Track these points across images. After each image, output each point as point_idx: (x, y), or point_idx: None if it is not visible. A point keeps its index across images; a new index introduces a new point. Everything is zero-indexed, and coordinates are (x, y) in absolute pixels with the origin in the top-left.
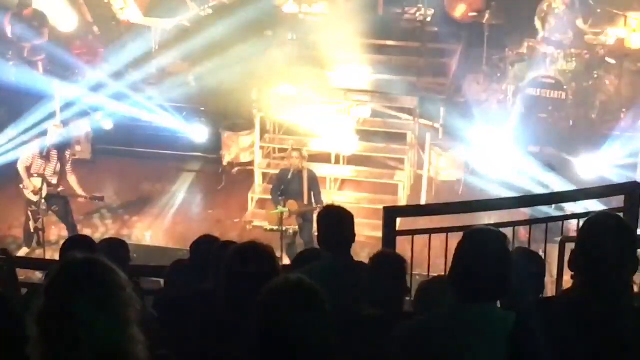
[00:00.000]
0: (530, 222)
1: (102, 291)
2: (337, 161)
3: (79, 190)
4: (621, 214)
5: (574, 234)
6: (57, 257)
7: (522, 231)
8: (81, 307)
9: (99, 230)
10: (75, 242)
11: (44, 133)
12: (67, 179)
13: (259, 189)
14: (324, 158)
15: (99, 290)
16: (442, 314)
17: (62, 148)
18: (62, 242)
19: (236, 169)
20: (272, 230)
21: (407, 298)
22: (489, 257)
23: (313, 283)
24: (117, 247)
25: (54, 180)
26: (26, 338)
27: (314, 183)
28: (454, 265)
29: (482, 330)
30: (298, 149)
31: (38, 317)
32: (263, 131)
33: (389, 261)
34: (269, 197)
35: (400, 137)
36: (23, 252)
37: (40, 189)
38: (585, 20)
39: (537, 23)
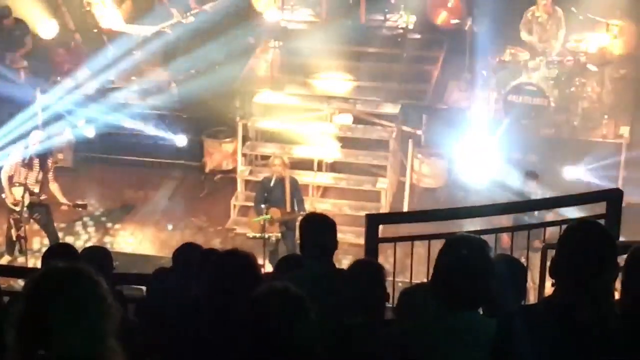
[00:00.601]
0: (512, 229)
1: (81, 301)
2: (320, 168)
3: (62, 198)
4: (602, 221)
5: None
6: (39, 265)
7: (505, 238)
8: (57, 316)
9: (81, 238)
10: (57, 251)
11: (25, 141)
12: (49, 187)
13: (241, 197)
14: (306, 165)
15: (77, 300)
16: (424, 321)
17: (44, 156)
18: (44, 250)
19: (218, 176)
20: (254, 237)
21: (389, 305)
22: (470, 264)
23: (299, 291)
24: (100, 255)
25: (36, 189)
26: (5, 346)
27: (297, 190)
28: (435, 273)
29: (464, 338)
30: (280, 156)
31: (15, 322)
32: (245, 138)
33: (366, 269)
34: (252, 204)
35: (382, 144)
36: (5, 260)
37: (22, 198)
38: (567, 28)
39: (523, 34)
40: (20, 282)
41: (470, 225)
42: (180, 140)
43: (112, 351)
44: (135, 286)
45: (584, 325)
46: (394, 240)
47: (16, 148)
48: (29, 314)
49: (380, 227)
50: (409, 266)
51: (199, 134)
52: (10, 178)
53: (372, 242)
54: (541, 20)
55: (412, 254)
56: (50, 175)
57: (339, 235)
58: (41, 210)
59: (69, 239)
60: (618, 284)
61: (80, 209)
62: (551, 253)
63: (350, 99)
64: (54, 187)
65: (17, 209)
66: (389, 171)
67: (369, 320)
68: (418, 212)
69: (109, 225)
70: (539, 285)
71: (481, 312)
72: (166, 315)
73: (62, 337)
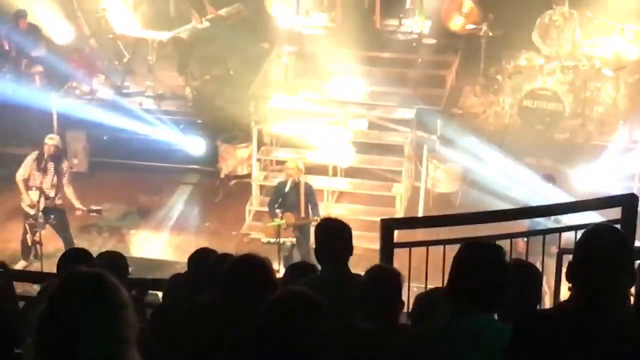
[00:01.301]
0: (527, 234)
1: (107, 308)
2: (334, 173)
3: (76, 203)
4: (618, 226)
5: (571, 245)
6: (54, 270)
7: (520, 243)
8: (85, 323)
9: (96, 243)
10: (73, 255)
11: (41, 146)
12: (64, 191)
13: (256, 202)
14: (321, 170)
15: (104, 307)
16: (439, 325)
17: (59, 160)
18: (59, 255)
19: (233, 181)
20: (269, 242)
21: (404, 310)
22: (485, 269)
23: (316, 295)
24: (115, 260)
25: (52, 193)
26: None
27: (311, 195)
28: (451, 277)
29: (479, 342)
30: (295, 161)
31: (36, 328)
32: (260, 143)
33: (384, 275)
34: (266, 209)
35: (397, 149)
36: (21, 265)
37: (38, 202)
38: (583, 33)
39: (536, 38)
40: (36, 287)
41: (485, 230)
42: (196, 145)
43: (133, 359)
44: (150, 291)
45: (599, 330)
46: (409, 245)
47: (31, 153)
48: (52, 319)
49: (395, 232)
50: (424, 271)
51: (213, 139)
52: (26, 182)
53: (387, 247)
54: (558, 24)
55: (427, 259)
56: (65, 179)
57: (354, 241)
58: (57, 214)
59: (84, 244)
60: (634, 290)
61: (94, 214)
62: (567, 258)
63: (365, 104)
64: (68, 191)
65: (33, 212)
66: (404, 176)
67: (384, 325)
68: (433, 217)
69: (124, 230)
70: (554, 291)
71: (496, 318)
72: (180, 322)
73: (85, 343)
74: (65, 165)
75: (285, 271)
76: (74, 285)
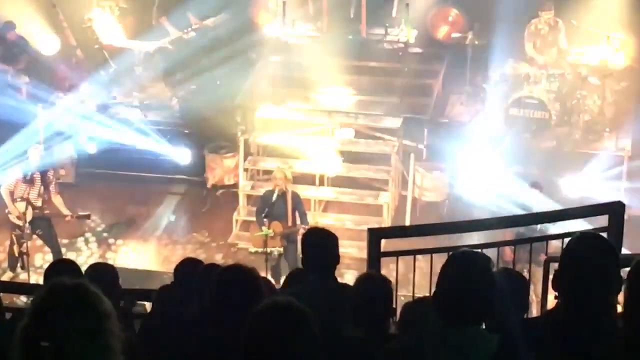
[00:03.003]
0: (514, 243)
1: (91, 319)
2: (321, 183)
3: (65, 210)
4: (605, 234)
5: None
6: (41, 281)
7: (508, 251)
8: (69, 334)
9: (84, 253)
10: (59, 266)
11: (26, 157)
12: (52, 200)
13: (243, 211)
14: (308, 180)
15: (88, 317)
16: (426, 336)
17: (44, 170)
18: (46, 266)
19: (220, 191)
20: (256, 252)
21: (391, 318)
22: (472, 280)
23: (302, 306)
24: (106, 272)
25: (39, 203)
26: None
27: (298, 204)
28: (437, 288)
29: (466, 353)
30: (282, 170)
31: (21, 341)
32: (247, 153)
33: (374, 283)
34: (253, 219)
35: (384, 158)
36: (7, 276)
37: (24, 214)
38: (569, 41)
39: (528, 46)
40: (23, 299)
41: (472, 238)
42: (183, 155)
43: None
44: (138, 302)
45: (586, 338)
46: (396, 254)
47: (17, 164)
48: (34, 331)
49: (383, 241)
50: (411, 280)
51: (200, 149)
52: (12, 194)
53: (374, 256)
54: (543, 32)
55: (414, 268)
56: (52, 187)
57: (341, 250)
58: (43, 224)
59: (71, 255)
60: (621, 297)
61: (83, 219)
62: (553, 266)
63: (352, 113)
64: (57, 200)
65: (21, 223)
66: (391, 185)
67: (372, 334)
68: (420, 226)
69: (111, 240)
70: (541, 299)
71: (483, 327)
72: (168, 331)
73: (70, 354)
74: (51, 173)
75: (286, 278)
76: (56, 297)
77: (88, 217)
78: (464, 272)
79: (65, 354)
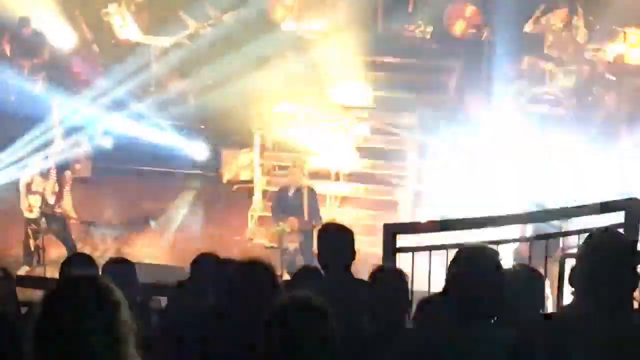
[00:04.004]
0: (530, 239)
1: (104, 310)
2: (337, 178)
3: (72, 212)
4: (621, 230)
5: (574, 250)
6: (57, 275)
7: (524, 247)
8: (81, 326)
9: (99, 248)
10: (75, 261)
11: (44, 152)
12: (63, 199)
13: (258, 207)
14: (324, 175)
15: (101, 309)
16: (440, 330)
17: (61, 168)
18: (62, 260)
19: (236, 186)
20: (272, 247)
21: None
22: (480, 274)
23: (321, 300)
24: (124, 268)
25: (52, 200)
26: (24, 357)
27: (314, 200)
28: (447, 283)
29: (481, 347)
30: (299, 165)
31: (35, 334)
32: (262, 149)
33: (389, 276)
34: (269, 214)
35: (400, 154)
36: (23, 270)
37: (39, 207)
38: (584, 37)
39: (528, 27)
40: (38, 293)
41: (489, 234)
42: (199, 150)
43: (133, 358)
44: (154, 297)
45: (602, 334)
46: (412, 250)
47: (35, 159)
48: (48, 324)
49: (398, 236)
50: (426, 276)
51: (216, 144)
52: (28, 186)
53: (390, 251)
54: (555, 28)
55: (430, 263)
56: (67, 189)
57: (357, 245)
58: (57, 222)
59: (87, 249)
60: (637, 293)
61: (88, 225)
62: (569, 262)
63: (368, 109)
64: (67, 199)
65: (32, 216)
66: (407, 181)
67: (388, 329)
68: (436, 221)
69: (127, 235)
70: (557, 295)
71: (499, 322)
72: (184, 326)
73: (83, 346)
74: (67, 174)
75: (295, 274)
76: (68, 290)
77: (93, 224)
78: (471, 267)
79: (76, 346)
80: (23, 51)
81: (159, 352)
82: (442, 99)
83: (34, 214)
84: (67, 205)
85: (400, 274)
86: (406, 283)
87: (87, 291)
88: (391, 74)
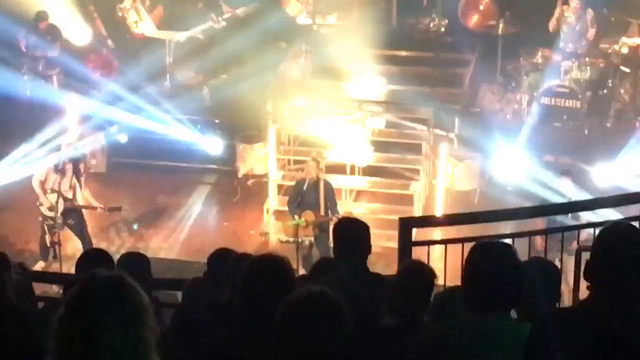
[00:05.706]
0: (545, 232)
1: (127, 312)
2: (353, 172)
3: (95, 203)
4: (637, 223)
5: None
6: (73, 271)
7: (539, 240)
8: (105, 327)
9: (115, 243)
10: (91, 256)
11: (58, 148)
12: (82, 192)
13: (274, 201)
14: (340, 169)
15: (126, 311)
16: (457, 323)
17: (76, 162)
18: (78, 256)
19: (251, 180)
20: (287, 242)
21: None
22: (493, 269)
23: (336, 294)
24: (139, 262)
25: (69, 195)
26: (41, 353)
27: (330, 194)
28: (463, 276)
29: (497, 341)
30: (315, 159)
31: (57, 333)
32: (278, 143)
33: (421, 272)
34: (285, 208)
35: (415, 148)
36: (39, 266)
37: (56, 204)
38: (599, 29)
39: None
40: (55, 288)
41: (504, 228)
42: (214, 145)
43: None
44: (169, 291)
45: (618, 328)
46: (428, 243)
47: (49, 154)
48: (72, 323)
49: (414, 230)
50: (442, 269)
51: (231, 138)
52: (43, 184)
53: (406, 245)
54: (570, 20)
55: (445, 257)
56: (82, 181)
57: (373, 239)
58: (74, 215)
59: (102, 245)
60: None
61: (115, 212)
62: (585, 255)
63: (383, 103)
64: (85, 193)
65: (52, 214)
66: (422, 174)
67: (405, 323)
68: (451, 215)
69: (142, 230)
70: (573, 289)
71: (515, 316)
72: (200, 321)
73: (105, 347)
74: (82, 166)
75: (313, 267)
76: (94, 289)
77: (119, 209)
78: (484, 262)
79: (100, 346)
80: (39, 45)
81: (174, 348)
82: (457, 92)
83: (55, 213)
84: (88, 197)
85: (431, 270)
86: (433, 279)
87: (113, 291)
88: (406, 68)
